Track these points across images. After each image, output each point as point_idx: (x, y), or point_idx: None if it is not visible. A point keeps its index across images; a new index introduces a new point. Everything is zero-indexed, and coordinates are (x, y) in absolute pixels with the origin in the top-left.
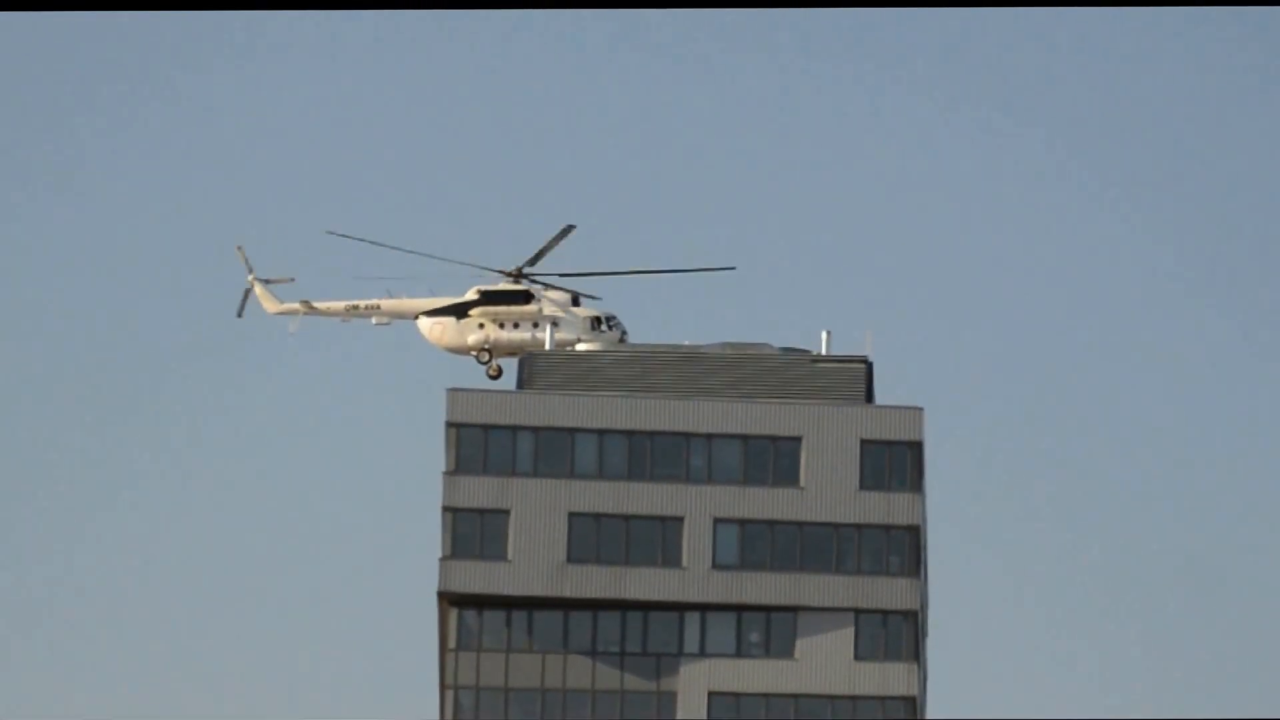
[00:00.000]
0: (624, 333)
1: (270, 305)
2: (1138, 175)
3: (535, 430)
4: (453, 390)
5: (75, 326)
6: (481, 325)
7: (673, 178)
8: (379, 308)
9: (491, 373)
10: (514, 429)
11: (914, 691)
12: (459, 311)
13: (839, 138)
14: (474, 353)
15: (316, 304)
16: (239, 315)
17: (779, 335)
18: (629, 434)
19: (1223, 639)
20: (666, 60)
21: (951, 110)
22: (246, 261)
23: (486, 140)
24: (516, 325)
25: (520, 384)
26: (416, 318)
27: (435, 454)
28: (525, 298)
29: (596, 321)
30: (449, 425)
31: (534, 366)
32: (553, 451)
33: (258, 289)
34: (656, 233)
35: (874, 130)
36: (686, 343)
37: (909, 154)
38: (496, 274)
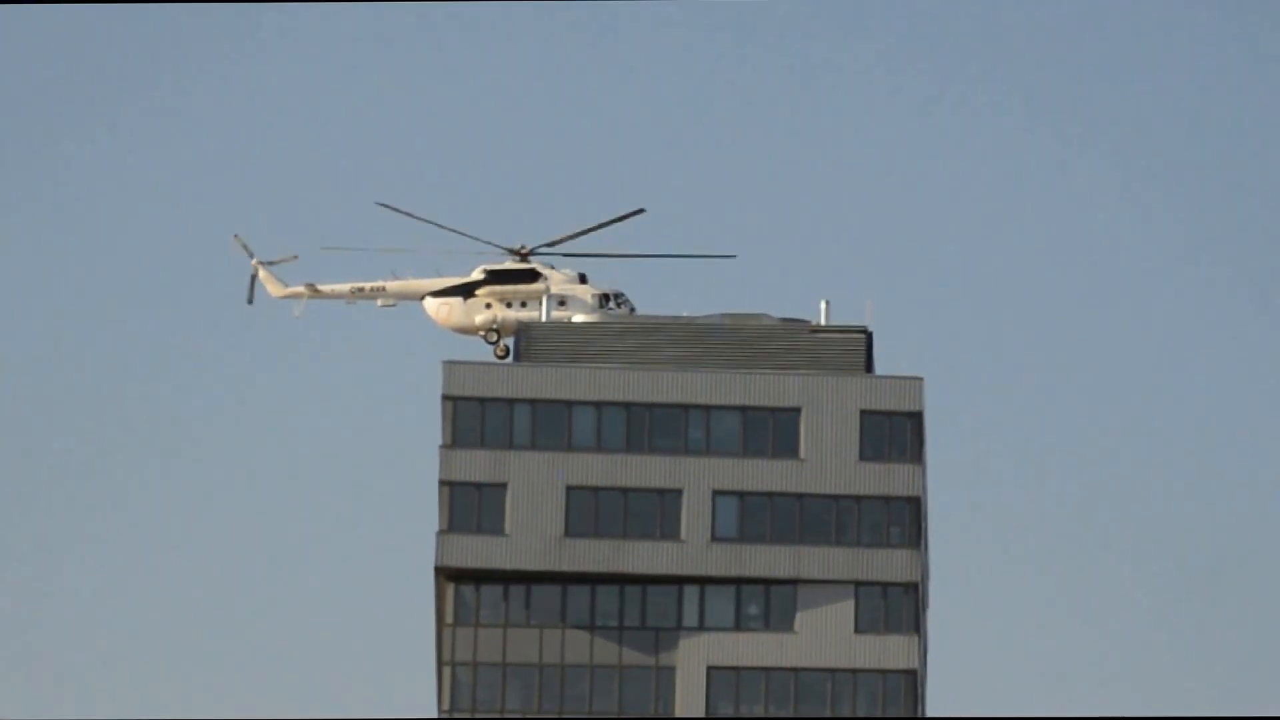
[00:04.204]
0: (632, 309)
1: (275, 289)
2: (1136, 147)
3: (532, 403)
4: (448, 363)
5: (75, 319)
6: (489, 305)
7: (674, 150)
8: (384, 289)
9: (499, 353)
10: (511, 402)
11: (914, 664)
12: (465, 291)
13: (839, 108)
14: (481, 333)
15: (321, 287)
16: (249, 302)
17: (778, 305)
18: (627, 406)
19: (1228, 609)
20: (666, 37)
21: (951, 82)
22: (246, 247)
23: (490, 122)
24: (524, 304)
25: (517, 356)
26: (422, 299)
27: (433, 428)
28: (532, 276)
29: (604, 298)
30: (445, 398)
31: (531, 339)
32: (550, 424)
33: (262, 273)
34: (658, 206)
35: (874, 100)
36: (685, 313)
37: (909, 124)
38: (502, 252)
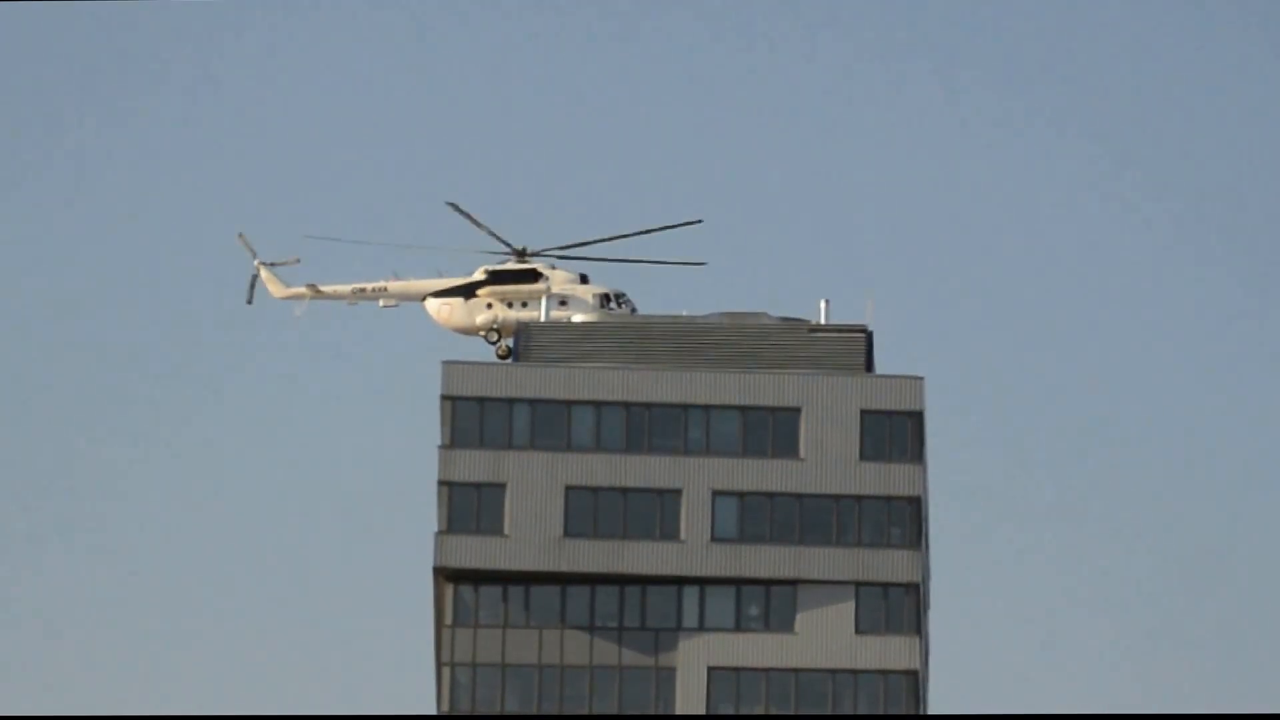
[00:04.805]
0: (634, 309)
1: (276, 290)
2: (1137, 146)
3: (531, 403)
4: (447, 363)
5: (75, 318)
6: (489, 305)
7: (672, 149)
8: (386, 290)
9: (500, 353)
10: (510, 402)
11: (915, 665)
12: (466, 292)
13: (839, 105)
14: (482, 333)
15: (323, 287)
16: (248, 302)
17: (777, 304)
18: (626, 406)
19: (1228, 608)
20: (661, 27)
21: (952, 80)
22: (249, 247)
23: (491, 122)
24: (525, 304)
25: (516, 356)
26: (424, 299)
27: (432, 428)
28: (533, 276)
29: (605, 298)
30: (444, 398)
31: (530, 338)
32: (549, 424)
33: (264, 273)
34: (656, 204)
35: (874, 97)
36: (684, 313)
37: (908, 122)
38: (503, 254)
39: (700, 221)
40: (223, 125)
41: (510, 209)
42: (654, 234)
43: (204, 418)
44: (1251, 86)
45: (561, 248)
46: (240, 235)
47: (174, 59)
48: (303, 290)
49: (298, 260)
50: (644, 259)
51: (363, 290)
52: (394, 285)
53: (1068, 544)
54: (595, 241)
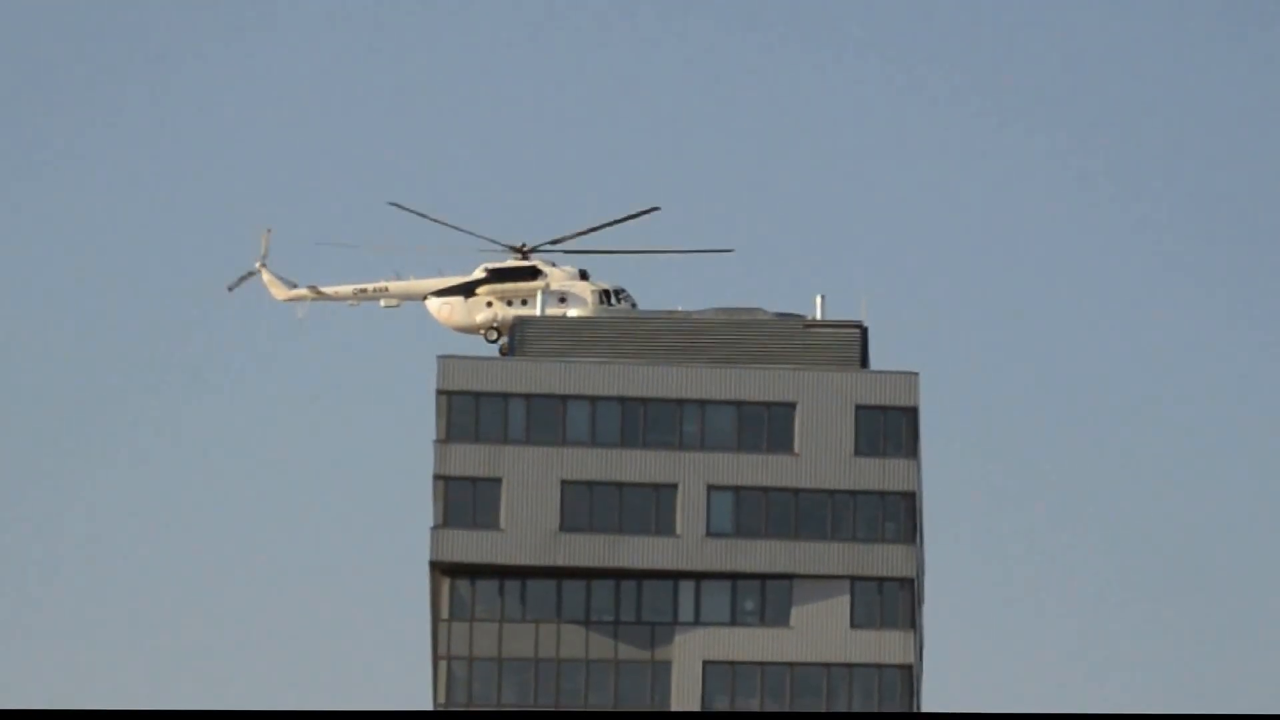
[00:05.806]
0: (634, 305)
1: (279, 292)
2: (1132, 143)
3: (527, 397)
4: (443, 357)
5: (76, 316)
6: (489, 304)
7: (670, 147)
8: (387, 290)
9: (503, 350)
10: (505, 396)
11: (910, 659)
12: (466, 290)
13: (834, 103)
14: (483, 331)
15: (324, 289)
16: (229, 289)
17: (773, 300)
18: (622, 400)
19: (1223, 604)
20: (663, 35)
21: (947, 78)
22: (266, 247)
23: (491, 121)
24: (525, 302)
25: (512, 351)
26: (425, 299)
27: (428, 422)
28: (532, 274)
29: (606, 295)
30: (440, 393)
31: (526, 333)
32: (545, 418)
33: (266, 275)
34: (655, 203)
35: (870, 96)
36: (680, 308)
37: (904, 120)
38: (503, 250)
39: (731, 250)
40: (224, 124)
41: (510, 208)
42: (684, 255)
43: (202, 415)
44: (1251, 86)
45: (554, 241)
46: (269, 230)
47: (175, 57)
48: (305, 292)
49: (298, 287)
50: (669, 249)
51: (364, 291)
52: (395, 285)
53: (1062, 539)
54: (619, 251)
